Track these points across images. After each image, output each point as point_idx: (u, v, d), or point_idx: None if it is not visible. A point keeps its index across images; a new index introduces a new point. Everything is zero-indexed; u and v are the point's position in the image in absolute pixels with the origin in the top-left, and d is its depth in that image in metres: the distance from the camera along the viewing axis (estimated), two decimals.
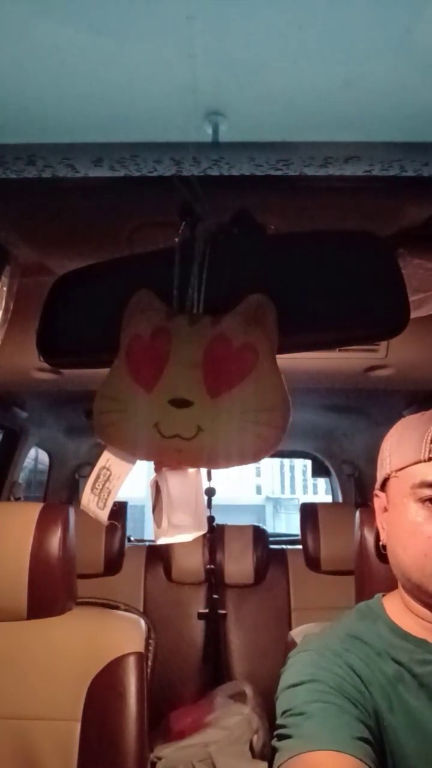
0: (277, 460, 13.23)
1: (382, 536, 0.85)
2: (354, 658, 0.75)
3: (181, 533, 0.92)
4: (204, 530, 0.96)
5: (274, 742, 0.71)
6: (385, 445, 0.87)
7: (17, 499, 2.66)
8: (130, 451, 0.93)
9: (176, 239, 0.93)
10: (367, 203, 1.00)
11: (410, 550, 0.77)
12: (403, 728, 0.71)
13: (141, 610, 2.23)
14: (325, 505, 2.72)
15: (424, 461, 0.77)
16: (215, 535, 2.40)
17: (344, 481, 3.24)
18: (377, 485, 0.87)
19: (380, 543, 0.85)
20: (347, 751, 0.63)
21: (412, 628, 0.79)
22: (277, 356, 0.89)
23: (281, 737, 0.70)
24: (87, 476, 0.96)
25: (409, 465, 0.79)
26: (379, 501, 0.87)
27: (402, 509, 0.79)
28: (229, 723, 1.88)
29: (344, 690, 0.71)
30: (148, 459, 0.94)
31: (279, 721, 0.72)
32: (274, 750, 0.71)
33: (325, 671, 0.73)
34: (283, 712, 0.72)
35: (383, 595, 0.87)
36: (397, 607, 0.83)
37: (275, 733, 0.72)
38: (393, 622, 0.81)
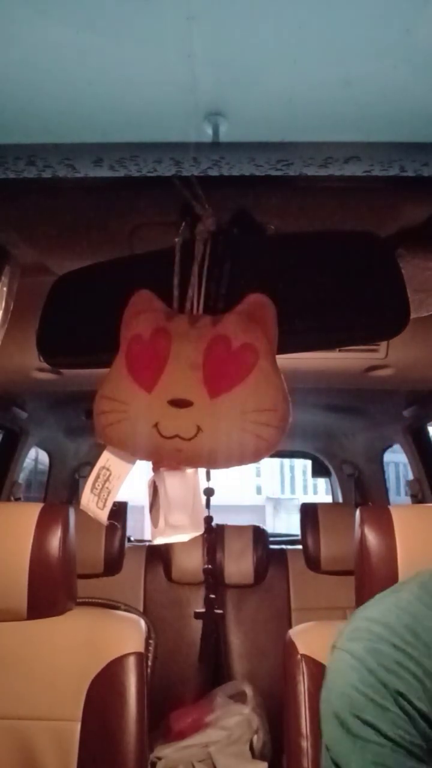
0: (277, 460, 13.24)
1: None
2: (405, 683, 0.66)
3: (178, 533, 0.92)
4: (201, 530, 0.96)
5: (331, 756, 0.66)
6: None
7: (17, 499, 2.66)
8: (130, 451, 0.93)
9: (176, 239, 0.93)
10: (367, 203, 1.00)
11: None
12: None
13: (141, 610, 2.23)
14: (325, 505, 2.72)
15: None
16: (215, 536, 2.39)
17: (344, 481, 3.24)
18: None
19: None
20: None
21: None
22: (277, 356, 0.89)
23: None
24: (87, 476, 0.96)
25: None
26: None
27: None
28: (229, 723, 1.88)
29: (400, 736, 0.64)
30: (147, 459, 0.94)
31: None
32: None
33: (377, 709, 0.65)
34: (335, 759, 0.66)
35: None
36: None
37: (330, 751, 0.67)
38: None
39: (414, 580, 0.77)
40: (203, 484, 1.00)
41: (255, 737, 1.88)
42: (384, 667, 0.67)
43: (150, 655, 1.27)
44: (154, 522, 0.93)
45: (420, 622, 0.70)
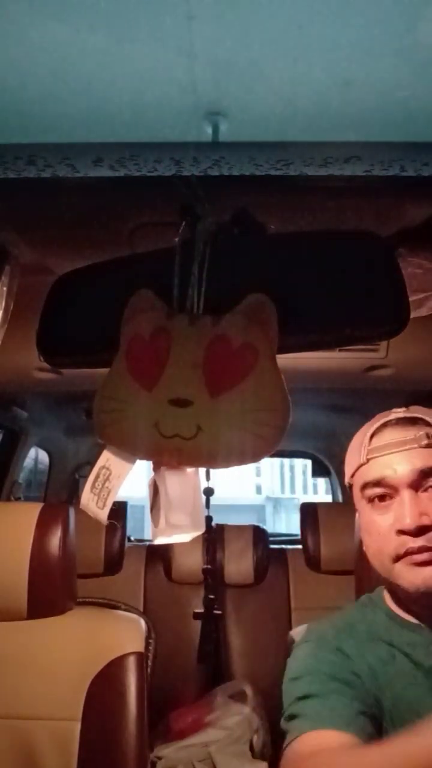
0: (277, 460, 13.22)
1: None
2: (345, 644, 0.82)
3: (179, 533, 0.92)
4: (202, 530, 0.96)
5: (283, 724, 0.78)
6: (346, 455, 0.93)
7: (17, 499, 2.66)
8: (130, 451, 0.93)
9: (176, 239, 0.93)
10: (367, 203, 1.00)
11: (371, 549, 0.84)
12: (395, 700, 0.77)
13: (141, 610, 2.23)
14: (325, 505, 2.72)
15: (364, 464, 0.84)
16: (215, 535, 2.39)
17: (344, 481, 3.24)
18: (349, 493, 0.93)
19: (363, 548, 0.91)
20: (345, 728, 0.71)
21: (404, 614, 0.85)
22: (277, 356, 0.89)
23: (289, 719, 0.77)
24: (87, 476, 0.96)
25: (355, 470, 0.86)
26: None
27: (361, 512, 0.87)
28: (229, 723, 1.88)
29: (339, 674, 0.78)
30: (148, 458, 0.94)
31: (286, 710, 0.79)
32: (283, 735, 0.77)
33: (321, 661, 0.80)
34: (289, 702, 0.79)
35: (385, 588, 0.92)
36: (396, 598, 0.88)
37: (284, 719, 0.79)
38: (390, 608, 0.87)
39: (356, 602, 0.95)
40: (203, 484, 1.00)
41: (255, 737, 1.88)
42: (327, 640, 0.84)
43: (150, 655, 1.27)
44: (155, 522, 0.93)
45: (356, 620, 0.87)
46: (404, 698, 0.77)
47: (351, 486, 0.89)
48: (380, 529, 0.81)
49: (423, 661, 0.79)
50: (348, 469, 0.89)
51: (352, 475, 0.87)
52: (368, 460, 0.83)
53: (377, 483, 0.82)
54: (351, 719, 0.72)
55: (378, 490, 0.82)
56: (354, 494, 0.88)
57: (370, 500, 0.83)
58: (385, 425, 0.85)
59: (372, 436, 0.84)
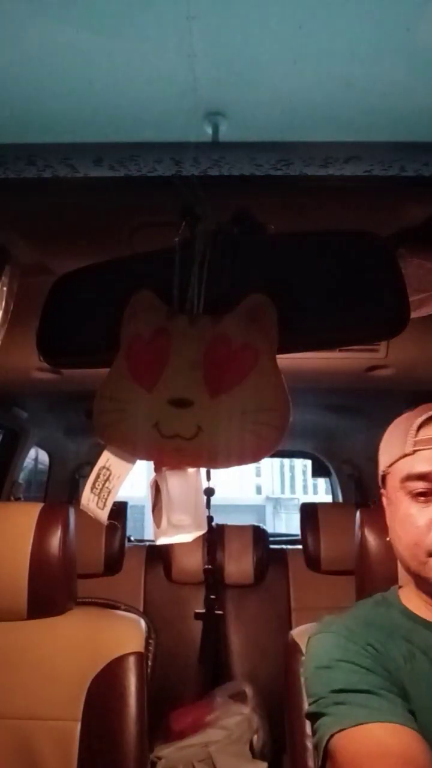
0: (277, 460, 13.23)
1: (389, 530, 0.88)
2: (372, 638, 0.79)
3: (181, 533, 0.92)
4: (204, 530, 0.96)
5: (320, 708, 0.74)
6: (381, 443, 0.91)
7: (17, 499, 2.66)
8: (130, 451, 0.93)
9: (176, 239, 0.93)
10: (367, 203, 1.00)
11: (404, 541, 0.81)
12: (418, 701, 0.75)
13: (141, 610, 2.23)
14: (325, 505, 2.72)
15: (409, 454, 0.81)
16: (215, 535, 2.39)
17: (344, 481, 3.24)
18: (379, 482, 0.91)
19: (387, 538, 0.88)
20: (405, 723, 0.68)
21: (424, 613, 0.83)
22: (277, 356, 0.89)
23: (329, 707, 0.73)
24: (87, 476, 0.96)
25: (397, 460, 0.83)
26: (383, 497, 0.90)
27: (396, 503, 0.83)
28: (229, 723, 1.88)
29: (375, 669, 0.75)
30: (148, 459, 0.94)
31: (322, 699, 0.75)
32: (316, 719, 0.74)
33: (354, 652, 0.77)
34: (326, 690, 0.75)
35: (400, 586, 0.92)
36: (410, 596, 0.87)
37: (316, 708, 0.76)
38: (406, 607, 0.85)
39: (369, 599, 0.92)
40: (204, 484, 1.00)
41: (255, 737, 1.88)
42: (352, 633, 0.81)
43: (150, 655, 1.27)
44: (157, 522, 0.93)
45: (373, 618, 0.85)
46: (421, 697, 0.75)
47: (385, 475, 0.86)
48: (418, 522, 0.78)
49: None
50: (385, 458, 0.86)
51: (391, 465, 0.84)
52: (414, 452, 0.80)
53: (423, 477, 0.78)
54: (407, 717, 0.69)
55: (422, 485, 0.78)
56: (388, 483, 0.85)
57: (410, 493, 0.80)
58: None
59: (420, 427, 0.81)
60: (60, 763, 1.11)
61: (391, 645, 0.79)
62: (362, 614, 0.86)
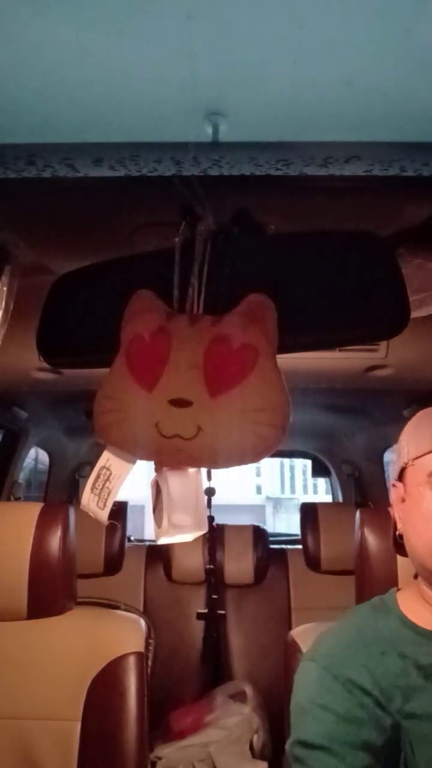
0: (277, 460, 13.22)
1: (399, 526, 0.85)
2: (353, 669, 0.78)
3: (182, 533, 0.92)
4: (205, 530, 0.96)
5: (288, 755, 0.77)
6: (403, 435, 0.87)
7: (17, 499, 2.66)
8: (130, 451, 0.93)
9: (176, 239, 0.93)
10: (367, 203, 1.00)
11: (424, 536, 0.78)
12: (415, 718, 0.74)
13: (141, 610, 2.23)
14: (325, 505, 2.72)
15: None
16: (215, 535, 2.39)
17: (344, 481, 3.24)
18: (395, 475, 0.87)
19: (396, 533, 0.86)
20: None
21: (423, 621, 0.81)
22: (277, 356, 0.89)
23: (292, 761, 0.76)
24: (87, 476, 0.96)
25: (425, 453, 0.80)
26: (396, 491, 0.87)
27: (418, 497, 0.80)
28: (229, 723, 1.88)
29: (348, 713, 0.75)
30: (148, 459, 0.94)
31: (293, 750, 0.77)
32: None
33: (334, 694, 0.77)
34: (296, 741, 0.77)
35: (398, 589, 0.89)
36: (410, 601, 0.84)
37: (288, 747, 0.78)
38: (404, 615, 0.83)
39: (366, 603, 0.90)
40: (204, 484, 1.00)
41: (255, 737, 1.88)
42: (335, 664, 0.79)
43: (150, 655, 1.27)
44: (158, 522, 0.93)
45: (367, 627, 0.83)
46: (417, 716, 0.74)
47: (405, 468, 0.84)
48: None
49: None
50: (411, 451, 0.83)
51: (417, 458, 0.81)
52: None
53: None
54: None
55: None
56: (410, 476, 0.82)
57: None
58: None
59: None
60: (60, 763, 1.11)
61: (379, 664, 0.78)
62: (354, 626, 0.85)
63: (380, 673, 0.77)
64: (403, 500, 0.85)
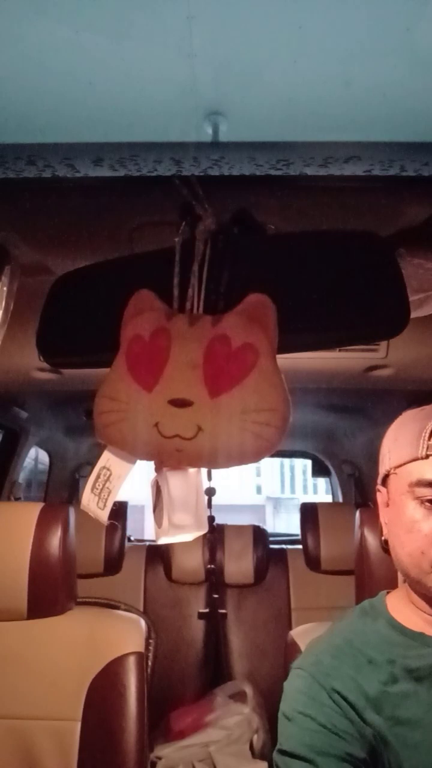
0: (277, 460, 13.22)
1: (384, 531, 0.85)
2: (339, 679, 0.77)
3: (182, 533, 0.92)
4: (205, 530, 0.96)
5: (274, 763, 0.78)
6: (385, 440, 0.87)
7: (17, 499, 2.66)
8: (130, 451, 0.93)
9: (176, 239, 0.93)
10: (367, 203, 1.00)
11: (407, 547, 0.78)
12: (405, 725, 0.74)
13: (141, 609, 2.23)
14: (325, 504, 2.72)
15: (422, 458, 0.77)
16: (215, 535, 2.39)
17: (344, 481, 3.24)
18: (379, 480, 0.88)
19: (382, 538, 0.86)
20: None
21: (412, 623, 0.81)
22: (277, 356, 0.89)
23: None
24: (87, 476, 0.96)
25: (407, 462, 0.79)
26: (381, 496, 0.87)
27: (401, 506, 0.79)
28: (229, 723, 1.88)
29: (331, 724, 0.75)
30: (148, 459, 0.94)
31: (276, 758, 0.78)
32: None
33: (318, 704, 0.77)
34: (278, 748, 0.78)
35: (387, 593, 0.89)
36: (399, 603, 0.84)
37: (274, 756, 0.78)
38: (393, 618, 0.83)
39: (356, 607, 0.90)
40: (205, 484, 1.00)
41: (255, 737, 1.88)
42: (322, 673, 0.78)
43: (150, 655, 1.27)
44: (159, 522, 0.93)
45: (356, 634, 0.83)
46: (407, 722, 0.74)
47: (388, 475, 0.83)
48: (425, 531, 0.75)
49: (425, 676, 0.76)
50: (393, 458, 0.82)
51: (399, 466, 0.80)
52: (427, 456, 0.76)
53: None
54: None
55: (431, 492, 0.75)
56: (392, 484, 0.82)
57: (419, 499, 0.76)
58: None
59: None
60: (60, 763, 1.11)
61: (365, 673, 0.77)
62: (343, 633, 0.84)
63: (367, 683, 0.76)
64: (388, 505, 0.85)
